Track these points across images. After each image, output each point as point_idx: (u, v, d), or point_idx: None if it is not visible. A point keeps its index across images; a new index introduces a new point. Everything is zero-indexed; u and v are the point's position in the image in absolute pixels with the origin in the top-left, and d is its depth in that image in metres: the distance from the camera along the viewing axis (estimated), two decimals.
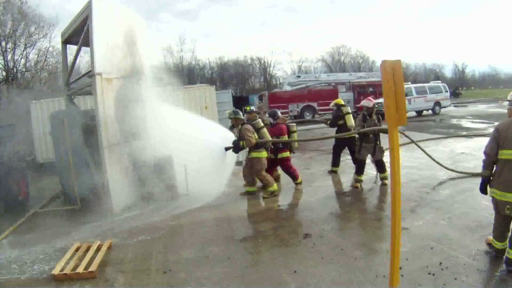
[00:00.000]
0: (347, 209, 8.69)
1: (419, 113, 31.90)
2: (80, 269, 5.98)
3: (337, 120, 12.07)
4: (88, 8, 8.87)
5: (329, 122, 12.79)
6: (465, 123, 24.00)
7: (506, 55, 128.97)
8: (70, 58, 11.59)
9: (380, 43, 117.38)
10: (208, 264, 6.12)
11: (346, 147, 11.92)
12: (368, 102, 10.14)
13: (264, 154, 9.79)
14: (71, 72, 11.51)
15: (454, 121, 25.53)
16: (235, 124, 10.08)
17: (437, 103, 32.29)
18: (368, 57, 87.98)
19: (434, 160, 11.08)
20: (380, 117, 10.25)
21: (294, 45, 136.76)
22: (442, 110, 32.67)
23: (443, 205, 8.33)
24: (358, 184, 10.20)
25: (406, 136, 11.44)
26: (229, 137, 10.34)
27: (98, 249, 6.74)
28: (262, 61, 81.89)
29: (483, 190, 5.70)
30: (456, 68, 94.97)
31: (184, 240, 7.22)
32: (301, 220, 8.15)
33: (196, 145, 9.48)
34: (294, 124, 11.41)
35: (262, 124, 9.99)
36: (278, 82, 68.03)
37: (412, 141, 11.57)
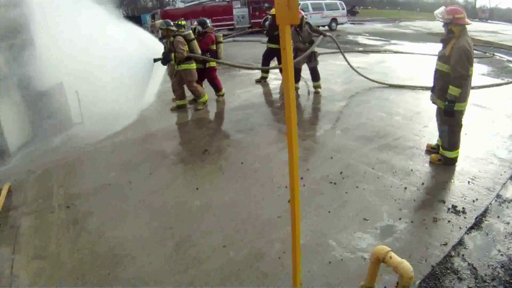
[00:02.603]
0: (250, 120, 8.42)
1: None
2: None
3: (274, 30, 11.71)
4: None
5: (265, 31, 12.57)
6: (362, 39, 24.39)
7: None
8: None
9: None
10: (110, 192, 5.67)
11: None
12: None
13: (194, 65, 9.35)
14: None
15: (351, 37, 25.89)
16: (165, 35, 9.36)
17: (334, 20, 32.66)
18: None
19: (354, 69, 11.41)
20: (311, 24, 10.24)
21: None
22: (339, 26, 33.09)
23: (340, 116, 8.41)
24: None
25: (337, 43, 11.54)
26: (158, 47, 9.67)
27: None
28: None
29: (453, 111, 5.59)
30: None
31: (83, 170, 6.64)
32: (202, 135, 7.80)
33: (114, 59, 8.55)
34: (221, 34, 10.84)
35: (193, 36, 9.43)
36: (171, 0, 65.34)
37: (340, 50, 11.66)
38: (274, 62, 12.00)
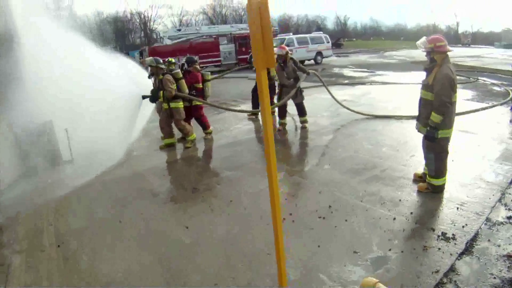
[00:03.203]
0: (239, 157, 8.45)
1: (302, 63, 32.42)
2: None
3: None
4: None
5: (254, 68, 12.71)
6: (347, 72, 24.77)
7: (387, 9, 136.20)
8: None
9: None
10: (100, 230, 5.64)
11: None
12: (280, 50, 9.96)
13: (181, 104, 9.46)
14: None
15: (336, 70, 26.28)
16: (155, 73, 9.45)
17: (319, 53, 33.16)
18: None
19: (339, 102, 11.58)
20: (296, 60, 10.42)
21: None
22: (324, 60, 33.57)
23: (327, 150, 8.47)
24: (281, 127, 10.38)
25: (320, 78, 11.66)
26: (146, 82, 9.81)
27: None
28: (142, 16, 79.32)
29: (435, 137, 5.66)
30: (338, 20, 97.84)
31: (74, 209, 6.62)
32: (192, 173, 7.83)
33: (103, 96, 8.60)
34: (209, 73, 10.93)
35: (181, 75, 9.59)
36: (158, 37, 66.14)
37: (323, 83, 11.95)
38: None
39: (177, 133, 9.86)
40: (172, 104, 9.30)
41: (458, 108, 5.93)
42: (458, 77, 5.65)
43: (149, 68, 9.65)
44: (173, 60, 10.17)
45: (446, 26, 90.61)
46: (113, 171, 8.20)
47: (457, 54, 34.26)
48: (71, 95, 8.27)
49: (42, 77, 8.23)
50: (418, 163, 6.90)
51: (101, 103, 8.55)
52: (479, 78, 18.08)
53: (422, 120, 5.84)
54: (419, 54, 6.03)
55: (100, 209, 6.39)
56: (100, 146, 8.65)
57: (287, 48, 10.32)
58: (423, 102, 5.82)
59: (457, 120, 5.87)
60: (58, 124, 8.52)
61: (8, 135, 8.20)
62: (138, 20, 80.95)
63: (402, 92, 15.10)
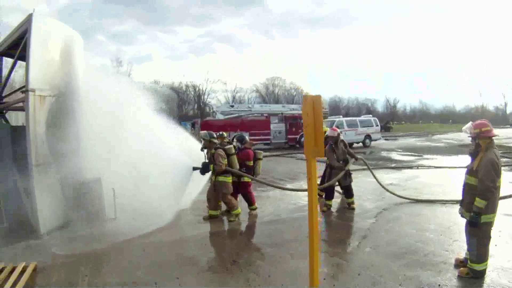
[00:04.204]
0: (281, 235, 8.53)
1: (350, 145, 32.71)
2: None
3: None
4: (27, 22, 8.46)
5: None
6: (395, 155, 24.74)
7: (436, 91, 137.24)
8: (5, 71, 10.99)
9: (313, 77, 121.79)
10: None
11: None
12: (332, 132, 10.41)
13: (230, 179, 9.78)
14: (5, 86, 10.93)
15: (384, 153, 26.28)
16: (208, 147, 9.91)
17: (368, 136, 33.55)
18: (302, 89, 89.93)
19: (384, 187, 11.74)
20: (346, 143, 10.83)
21: (229, 75, 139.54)
22: (373, 143, 33.80)
23: (370, 233, 8.47)
24: (325, 208, 10.45)
25: (366, 164, 12.10)
26: (195, 151, 10.25)
27: (23, 271, 6.27)
28: (197, 89, 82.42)
29: (478, 222, 5.70)
30: (387, 103, 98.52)
31: (111, 264, 6.90)
32: (233, 246, 8.00)
33: (155, 160, 9.16)
34: (261, 152, 11.28)
35: (233, 151, 10.01)
36: (211, 110, 68.29)
37: (368, 168, 12.43)
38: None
39: (223, 206, 10.14)
40: (220, 178, 9.62)
41: (502, 191, 5.97)
42: (504, 159, 5.76)
43: (203, 141, 10.12)
44: (225, 134, 10.67)
45: (494, 107, 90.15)
46: (155, 233, 8.51)
47: (505, 135, 33.85)
48: (122, 155, 8.82)
49: (96, 134, 8.86)
50: (460, 248, 6.85)
51: (151, 167, 9.00)
52: None
53: (466, 205, 5.89)
54: (467, 137, 6.18)
55: (137, 269, 6.61)
56: (145, 208, 9.00)
57: (338, 130, 10.67)
58: (467, 187, 5.91)
59: (501, 203, 5.90)
60: (106, 181, 9.04)
61: (56, 186, 8.72)
62: (192, 93, 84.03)
63: (449, 176, 15.02)
